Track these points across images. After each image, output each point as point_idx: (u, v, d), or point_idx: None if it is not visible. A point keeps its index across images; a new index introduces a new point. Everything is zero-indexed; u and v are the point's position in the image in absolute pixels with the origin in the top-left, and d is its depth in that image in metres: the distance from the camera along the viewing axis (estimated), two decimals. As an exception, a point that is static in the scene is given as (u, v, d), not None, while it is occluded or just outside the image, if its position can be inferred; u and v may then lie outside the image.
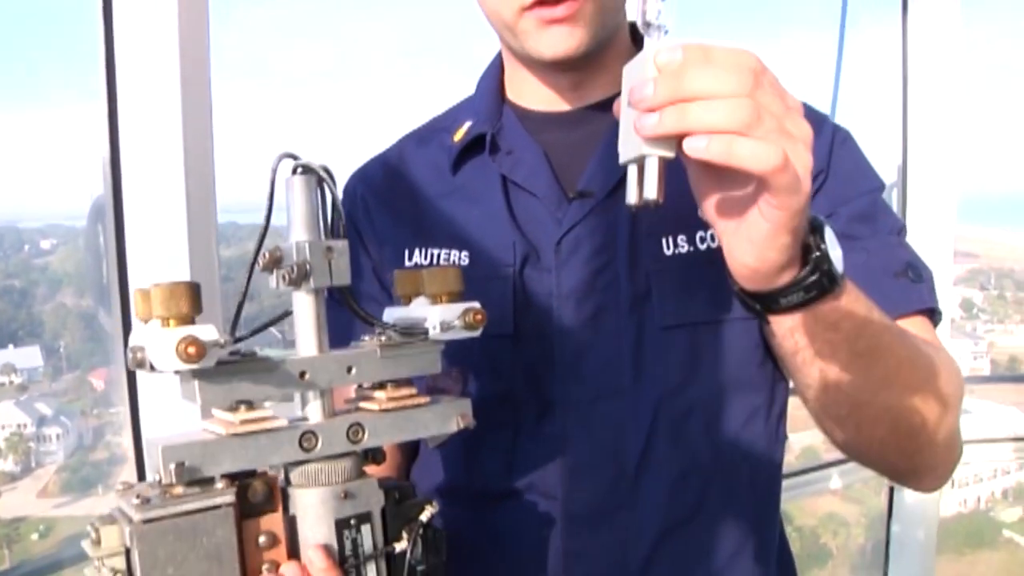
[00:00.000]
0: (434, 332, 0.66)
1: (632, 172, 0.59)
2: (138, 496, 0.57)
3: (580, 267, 0.83)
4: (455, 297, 0.67)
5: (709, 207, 0.62)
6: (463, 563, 0.74)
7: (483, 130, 0.89)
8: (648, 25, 0.58)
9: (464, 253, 0.86)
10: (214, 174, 1.21)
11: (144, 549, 0.55)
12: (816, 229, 0.64)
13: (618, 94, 0.73)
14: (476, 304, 0.68)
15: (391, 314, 0.72)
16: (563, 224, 0.84)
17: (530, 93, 0.91)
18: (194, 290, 0.57)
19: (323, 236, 0.63)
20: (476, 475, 0.80)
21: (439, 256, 0.87)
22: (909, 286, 0.83)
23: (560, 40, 0.80)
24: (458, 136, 0.91)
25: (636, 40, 0.93)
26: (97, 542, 0.57)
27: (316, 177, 0.62)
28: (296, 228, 0.62)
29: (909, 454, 0.79)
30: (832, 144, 0.87)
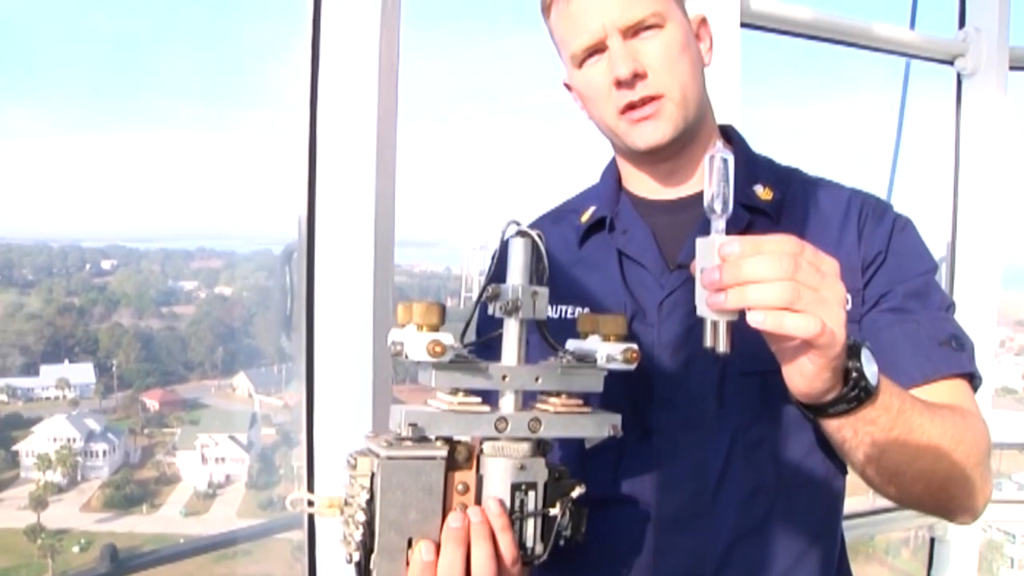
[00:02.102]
0: (602, 361, 0.85)
1: (708, 324, 0.77)
2: (385, 440, 0.80)
3: (677, 324, 1.01)
4: (620, 339, 0.86)
5: (774, 350, 0.80)
6: (575, 554, 0.89)
7: (604, 214, 1.09)
8: (712, 212, 0.76)
9: (586, 310, 1.04)
10: (394, 223, 1.43)
11: (384, 476, 0.79)
12: (855, 350, 0.80)
13: None
14: (634, 345, 0.86)
15: (571, 344, 0.90)
16: (665, 289, 1.02)
17: (641, 183, 1.11)
18: (443, 309, 0.80)
19: (531, 282, 0.83)
20: (587, 484, 0.95)
21: (566, 311, 1.06)
22: (952, 353, 0.98)
23: (649, 133, 1.00)
24: (585, 217, 1.12)
25: (727, 139, 1.11)
26: (354, 467, 0.81)
27: (531, 239, 0.83)
28: (513, 274, 0.83)
29: (943, 502, 0.96)
30: (892, 230, 1.04)
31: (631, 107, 0.99)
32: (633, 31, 0.98)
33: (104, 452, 23.34)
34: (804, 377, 0.79)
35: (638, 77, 0.97)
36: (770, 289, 0.71)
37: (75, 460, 22.64)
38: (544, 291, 0.83)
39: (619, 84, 0.98)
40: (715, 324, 0.76)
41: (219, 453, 23.40)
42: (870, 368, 0.80)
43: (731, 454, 0.99)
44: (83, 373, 25.69)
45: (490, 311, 0.84)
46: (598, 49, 0.99)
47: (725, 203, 0.76)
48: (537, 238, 0.83)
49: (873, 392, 0.81)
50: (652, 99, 0.99)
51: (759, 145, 1.15)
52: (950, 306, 1.03)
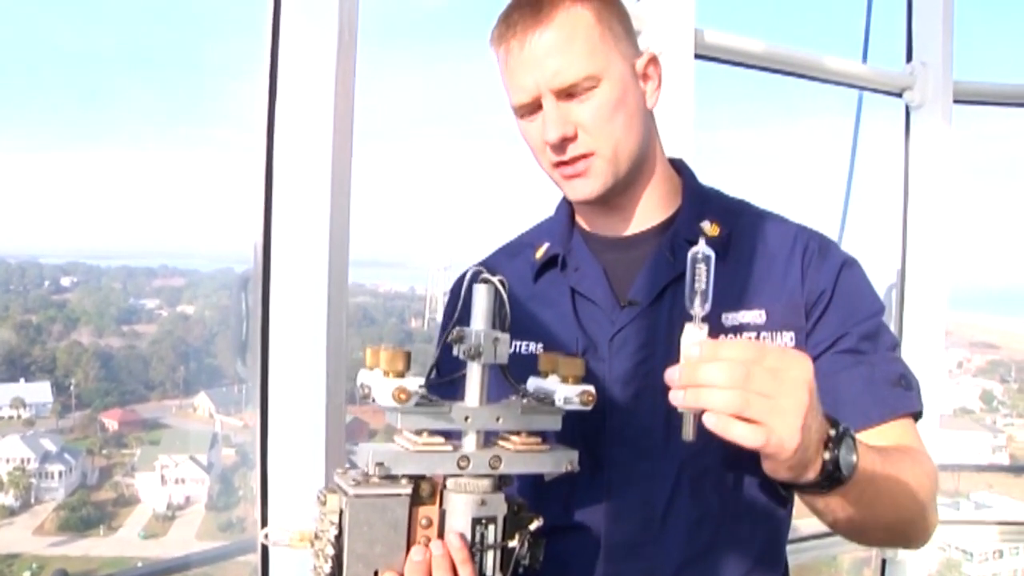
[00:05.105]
0: (559, 403, 0.89)
1: (687, 413, 0.82)
2: (353, 479, 0.85)
3: (627, 358, 1.05)
4: (578, 380, 0.90)
5: None
6: None
7: (557, 251, 1.14)
8: (692, 306, 0.81)
9: (539, 345, 1.08)
10: (348, 250, 1.44)
11: (352, 512, 0.84)
12: (837, 440, 0.83)
13: (657, 224, 1.12)
14: (590, 388, 0.90)
15: (533, 382, 0.94)
16: (616, 325, 1.06)
17: (591, 221, 1.15)
18: (408, 356, 0.84)
19: (494, 326, 0.88)
20: (541, 514, 0.98)
21: (521, 347, 1.09)
22: (902, 394, 1.04)
23: (580, 188, 1.06)
24: (539, 253, 1.16)
25: (677, 171, 1.16)
26: (323, 503, 0.85)
27: (493, 287, 0.87)
28: (476, 320, 0.88)
29: (900, 539, 1.05)
30: (839, 270, 1.08)
31: (562, 163, 1.04)
32: (566, 93, 1.01)
33: (60, 473, 22.75)
34: (768, 468, 0.84)
35: (567, 140, 1.01)
36: (721, 396, 0.76)
37: (29, 482, 22.04)
38: (505, 337, 0.88)
39: (550, 145, 1.02)
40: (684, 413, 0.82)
41: (179, 474, 22.93)
42: (848, 459, 0.84)
43: (678, 484, 1.03)
44: (40, 392, 25.08)
45: (455, 353, 0.88)
46: (534, 106, 1.03)
47: (704, 299, 0.81)
48: (500, 285, 0.87)
49: (846, 482, 0.84)
50: (582, 157, 1.03)
51: (717, 169, 1.19)
52: (896, 345, 1.09)
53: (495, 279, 0.87)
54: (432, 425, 0.86)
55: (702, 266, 0.80)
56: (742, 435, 0.76)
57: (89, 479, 24.00)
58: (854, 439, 0.85)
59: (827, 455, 0.82)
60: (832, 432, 0.83)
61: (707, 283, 0.80)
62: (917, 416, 1.05)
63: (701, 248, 0.80)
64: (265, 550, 1.44)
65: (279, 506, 1.41)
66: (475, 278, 0.88)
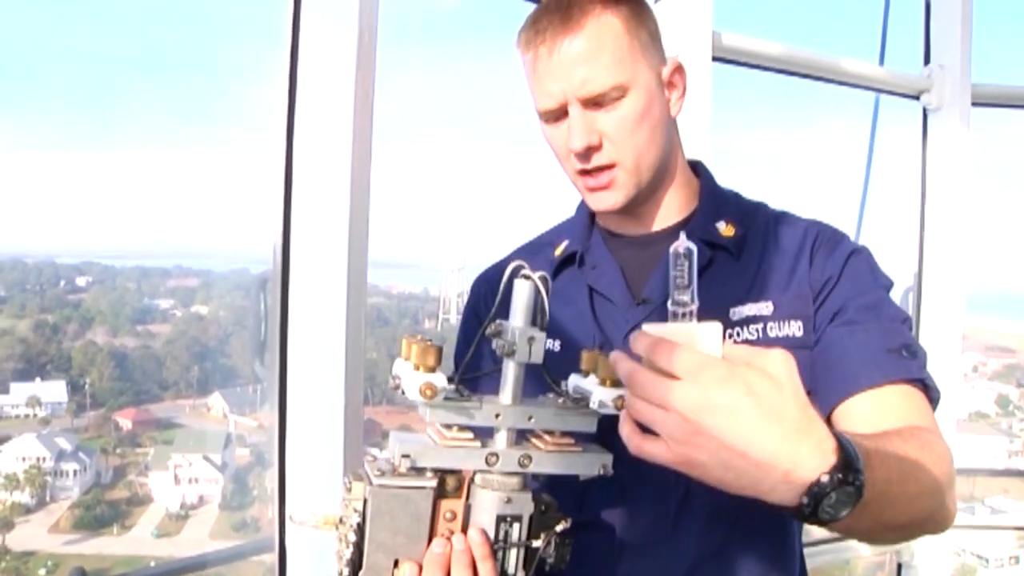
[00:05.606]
0: (593, 405, 0.87)
1: None
2: (379, 469, 0.84)
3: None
4: (615, 383, 0.88)
5: None
6: None
7: (576, 249, 1.14)
8: (672, 301, 0.78)
9: (557, 342, 1.08)
10: (367, 249, 1.45)
11: (375, 502, 0.83)
12: (832, 486, 0.70)
13: (674, 224, 1.12)
14: (627, 392, 0.87)
15: (574, 379, 0.92)
16: (630, 322, 1.06)
17: (611, 220, 1.15)
18: (439, 351, 0.83)
19: (534, 323, 0.86)
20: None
21: None
22: (902, 360, 0.98)
23: (602, 200, 1.06)
24: (558, 251, 1.16)
25: (696, 173, 1.16)
26: (349, 489, 0.84)
27: (533, 284, 0.85)
28: (514, 316, 0.86)
29: (914, 536, 0.98)
30: (847, 258, 1.06)
31: (585, 173, 1.04)
32: (593, 102, 1.00)
33: (75, 472, 22.94)
34: None
35: (592, 149, 1.01)
36: (628, 393, 0.75)
37: (44, 480, 22.24)
38: (541, 336, 0.85)
39: (575, 153, 1.02)
40: None
41: (192, 473, 23.10)
42: (834, 510, 0.71)
43: (691, 482, 1.01)
44: (55, 391, 25.31)
45: (493, 347, 0.87)
46: (560, 112, 1.02)
47: (683, 293, 0.76)
48: (540, 282, 0.85)
49: (833, 522, 0.73)
50: (606, 168, 1.03)
51: (734, 172, 1.18)
52: (905, 319, 1.04)
53: (536, 276, 0.85)
54: (461, 420, 0.85)
55: (683, 261, 0.76)
56: (623, 433, 0.75)
57: (103, 478, 24.20)
58: (860, 489, 0.71)
59: (805, 499, 0.70)
60: (826, 478, 0.69)
61: (688, 279, 0.76)
62: (927, 390, 0.99)
63: (683, 243, 0.74)
64: (283, 549, 1.45)
65: (296, 506, 1.42)
66: (516, 273, 0.87)
